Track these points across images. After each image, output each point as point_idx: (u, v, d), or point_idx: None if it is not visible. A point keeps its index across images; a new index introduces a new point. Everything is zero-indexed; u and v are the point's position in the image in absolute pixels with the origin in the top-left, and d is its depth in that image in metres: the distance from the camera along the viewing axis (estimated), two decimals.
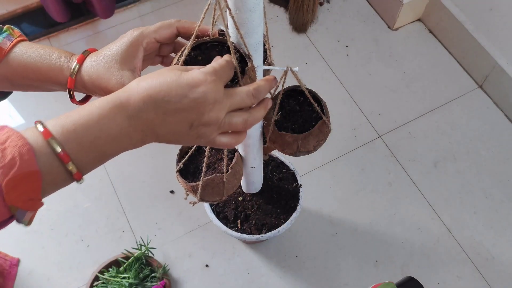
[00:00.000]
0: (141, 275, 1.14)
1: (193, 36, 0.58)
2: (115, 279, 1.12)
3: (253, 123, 0.54)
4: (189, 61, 0.59)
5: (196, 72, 0.48)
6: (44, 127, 0.44)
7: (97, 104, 0.46)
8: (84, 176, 0.47)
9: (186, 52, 0.58)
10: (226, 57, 0.53)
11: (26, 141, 0.42)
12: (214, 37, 0.60)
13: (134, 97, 0.47)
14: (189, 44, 0.58)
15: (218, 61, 0.51)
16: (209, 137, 0.51)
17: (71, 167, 0.44)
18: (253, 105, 0.54)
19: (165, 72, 0.49)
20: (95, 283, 1.14)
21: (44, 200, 0.45)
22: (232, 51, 0.56)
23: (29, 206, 0.43)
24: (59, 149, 0.43)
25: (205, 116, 0.48)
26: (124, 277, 1.12)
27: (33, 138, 0.43)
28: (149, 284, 1.14)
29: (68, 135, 0.44)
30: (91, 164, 0.47)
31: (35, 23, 1.56)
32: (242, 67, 0.58)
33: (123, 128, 0.46)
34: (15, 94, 1.47)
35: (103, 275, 1.14)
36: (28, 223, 0.45)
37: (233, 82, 0.59)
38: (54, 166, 0.44)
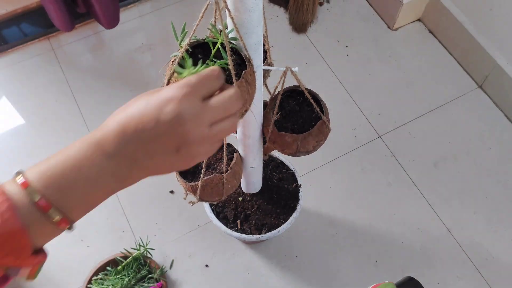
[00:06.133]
0: (138, 276, 1.14)
1: (190, 38, 0.58)
2: (112, 277, 1.13)
3: (238, 120, 0.51)
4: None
5: (165, 90, 0.44)
6: (22, 176, 0.42)
7: (74, 146, 0.44)
8: None
9: (183, 50, 0.57)
10: (212, 67, 0.47)
11: (6, 197, 0.40)
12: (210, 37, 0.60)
13: (109, 134, 0.43)
14: (186, 42, 0.58)
15: (199, 72, 0.46)
16: (206, 155, 0.47)
17: (53, 215, 0.42)
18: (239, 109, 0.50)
19: (137, 98, 0.45)
20: (94, 278, 1.14)
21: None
22: (228, 53, 0.56)
23: (20, 263, 0.41)
24: (37, 198, 0.41)
25: (190, 136, 0.43)
26: (122, 277, 1.13)
27: (13, 191, 0.41)
28: (146, 284, 1.14)
29: (46, 181, 0.42)
30: (78, 210, 0.44)
31: (35, 23, 1.56)
32: (241, 70, 0.58)
33: (104, 168, 0.43)
34: (16, 94, 1.47)
35: (99, 274, 1.14)
36: (29, 277, 0.43)
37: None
38: (36, 217, 0.41)
